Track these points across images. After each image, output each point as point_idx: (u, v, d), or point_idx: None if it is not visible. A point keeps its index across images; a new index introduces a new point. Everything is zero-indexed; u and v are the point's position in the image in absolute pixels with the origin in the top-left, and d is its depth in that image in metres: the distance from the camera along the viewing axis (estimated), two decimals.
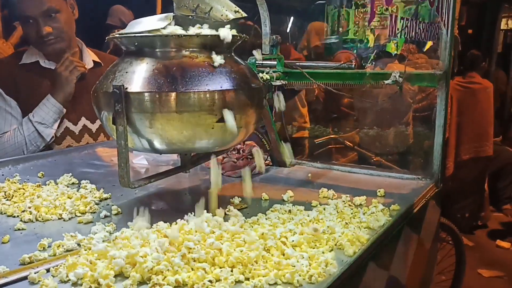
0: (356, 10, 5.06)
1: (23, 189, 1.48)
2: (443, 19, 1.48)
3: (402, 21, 1.33)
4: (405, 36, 1.37)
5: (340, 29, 5.03)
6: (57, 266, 0.96)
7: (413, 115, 3.35)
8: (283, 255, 1.01)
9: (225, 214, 1.29)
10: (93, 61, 2.33)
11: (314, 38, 4.25)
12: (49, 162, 1.84)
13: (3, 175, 1.66)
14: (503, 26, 7.61)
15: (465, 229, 4.43)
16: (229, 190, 1.56)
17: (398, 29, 1.32)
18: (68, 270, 0.94)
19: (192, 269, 0.93)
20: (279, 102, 1.52)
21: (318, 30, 4.34)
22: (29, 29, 2.16)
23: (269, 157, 1.87)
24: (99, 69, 2.32)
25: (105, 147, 2.11)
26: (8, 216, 1.29)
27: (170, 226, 1.13)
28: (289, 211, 1.29)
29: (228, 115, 1.20)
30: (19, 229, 1.20)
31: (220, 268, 0.94)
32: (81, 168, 1.79)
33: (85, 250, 1.03)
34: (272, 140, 1.81)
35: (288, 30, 4.87)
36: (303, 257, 1.00)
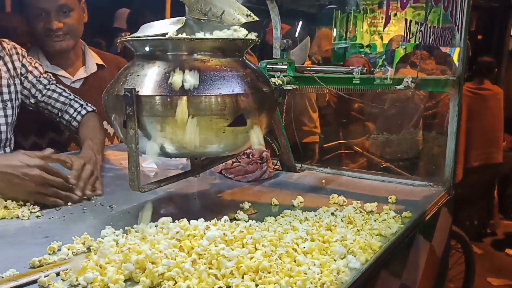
0: (365, 15, 5.06)
1: None
2: (457, 24, 1.47)
3: (416, 25, 1.32)
4: (420, 41, 1.36)
5: (349, 33, 5.04)
6: (67, 270, 0.95)
7: (423, 121, 3.32)
8: (294, 261, 1.00)
9: (235, 219, 1.28)
10: (97, 64, 2.30)
11: (324, 43, 4.30)
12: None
13: None
14: None
15: (474, 236, 4.38)
16: (238, 195, 1.55)
17: (412, 34, 1.31)
18: (78, 274, 0.93)
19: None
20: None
21: (325, 36, 4.41)
22: (38, 23, 2.11)
23: (278, 162, 1.86)
24: (102, 71, 2.30)
25: (114, 150, 2.11)
26: (17, 218, 1.29)
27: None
28: (300, 217, 1.28)
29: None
30: (27, 231, 1.19)
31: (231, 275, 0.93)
32: None
33: (95, 254, 1.02)
34: (282, 145, 1.80)
35: (296, 35, 4.87)
36: (315, 265, 0.99)
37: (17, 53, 1.94)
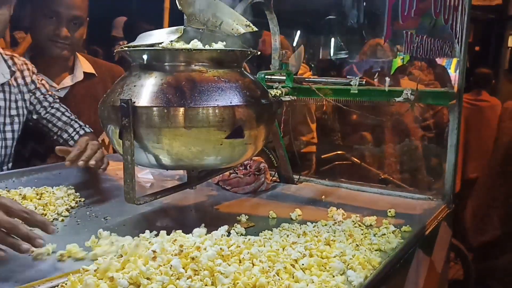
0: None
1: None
2: (457, 36, 1.46)
3: (417, 38, 1.31)
4: (420, 53, 1.35)
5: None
6: (58, 285, 0.93)
7: (421, 133, 3.31)
8: (293, 277, 0.98)
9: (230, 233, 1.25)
10: (85, 72, 2.26)
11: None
12: (53, 175, 1.81)
13: (6, 187, 1.63)
14: (510, 43, 7.57)
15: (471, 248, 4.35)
16: (235, 207, 1.53)
17: (413, 46, 1.29)
18: None
19: None
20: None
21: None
22: (46, 26, 2.08)
23: (276, 173, 1.84)
24: (91, 80, 2.26)
25: (109, 160, 2.08)
26: None
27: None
28: (298, 231, 1.26)
29: None
30: None
31: None
32: (85, 181, 1.76)
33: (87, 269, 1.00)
34: (280, 156, 1.78)
35: (294, 44, 4.87)
36: (313, 282, 0.96)
37: (28, 69, 1.98)
